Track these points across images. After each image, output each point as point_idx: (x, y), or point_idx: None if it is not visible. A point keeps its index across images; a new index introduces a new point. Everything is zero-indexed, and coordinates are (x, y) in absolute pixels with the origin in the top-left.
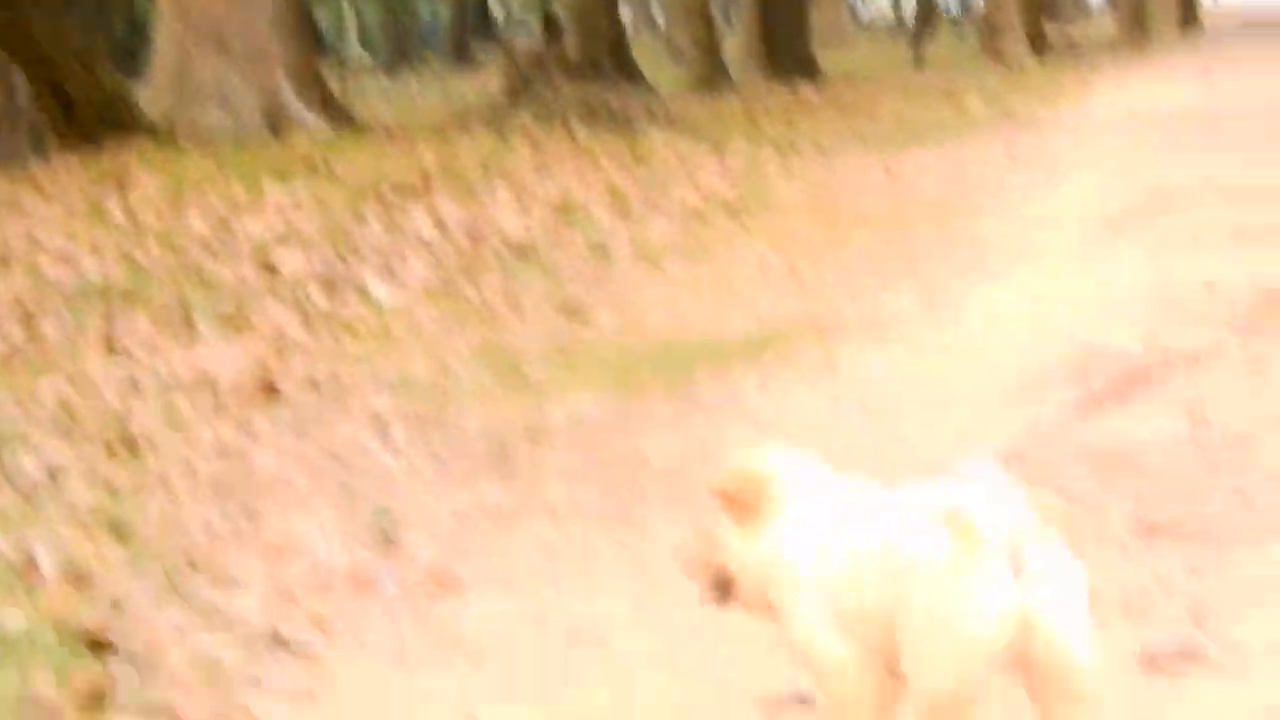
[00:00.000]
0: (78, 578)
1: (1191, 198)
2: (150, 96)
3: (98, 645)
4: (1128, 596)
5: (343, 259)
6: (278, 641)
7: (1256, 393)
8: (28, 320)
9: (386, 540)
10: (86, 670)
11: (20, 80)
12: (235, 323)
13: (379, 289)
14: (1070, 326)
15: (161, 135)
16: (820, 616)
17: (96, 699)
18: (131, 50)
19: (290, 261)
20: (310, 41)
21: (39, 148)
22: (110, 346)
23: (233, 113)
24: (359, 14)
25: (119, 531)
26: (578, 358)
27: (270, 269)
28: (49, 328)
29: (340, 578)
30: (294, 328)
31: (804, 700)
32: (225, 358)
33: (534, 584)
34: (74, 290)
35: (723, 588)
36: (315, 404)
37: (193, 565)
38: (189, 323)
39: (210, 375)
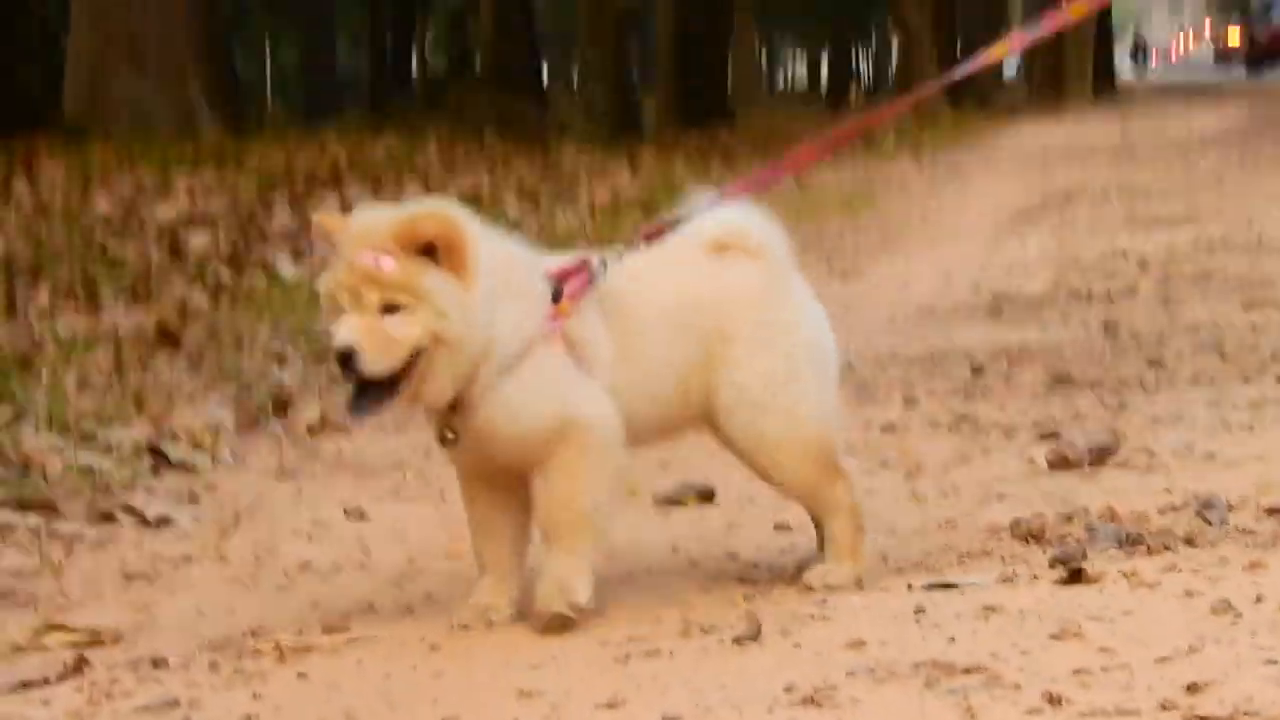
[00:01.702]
0: None
1: (1095, 196)
2: (65, 98)
3: None
4: (1041, 428)
5: (249, 241)
6: (158, 456)
7: (1168, 315)
8: None
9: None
10: None
11: None
12: (138, 295)
13: (286, 267)
14: (982, 279)
15: (71, 132)
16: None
17: None
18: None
19: (196, 242)
20: (228, 66)
21: None
22: (10, 314)
23: (144, 118)
24: (274, 60)
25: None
26: None
27: (176, 250)
28: None
29: (226, 428)
30: (198, 298)
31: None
32: (127, 320)
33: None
34: None
35: None
36: (215, 350)
37: (81, 416)
38: (92, 295)
39: (110, 330)
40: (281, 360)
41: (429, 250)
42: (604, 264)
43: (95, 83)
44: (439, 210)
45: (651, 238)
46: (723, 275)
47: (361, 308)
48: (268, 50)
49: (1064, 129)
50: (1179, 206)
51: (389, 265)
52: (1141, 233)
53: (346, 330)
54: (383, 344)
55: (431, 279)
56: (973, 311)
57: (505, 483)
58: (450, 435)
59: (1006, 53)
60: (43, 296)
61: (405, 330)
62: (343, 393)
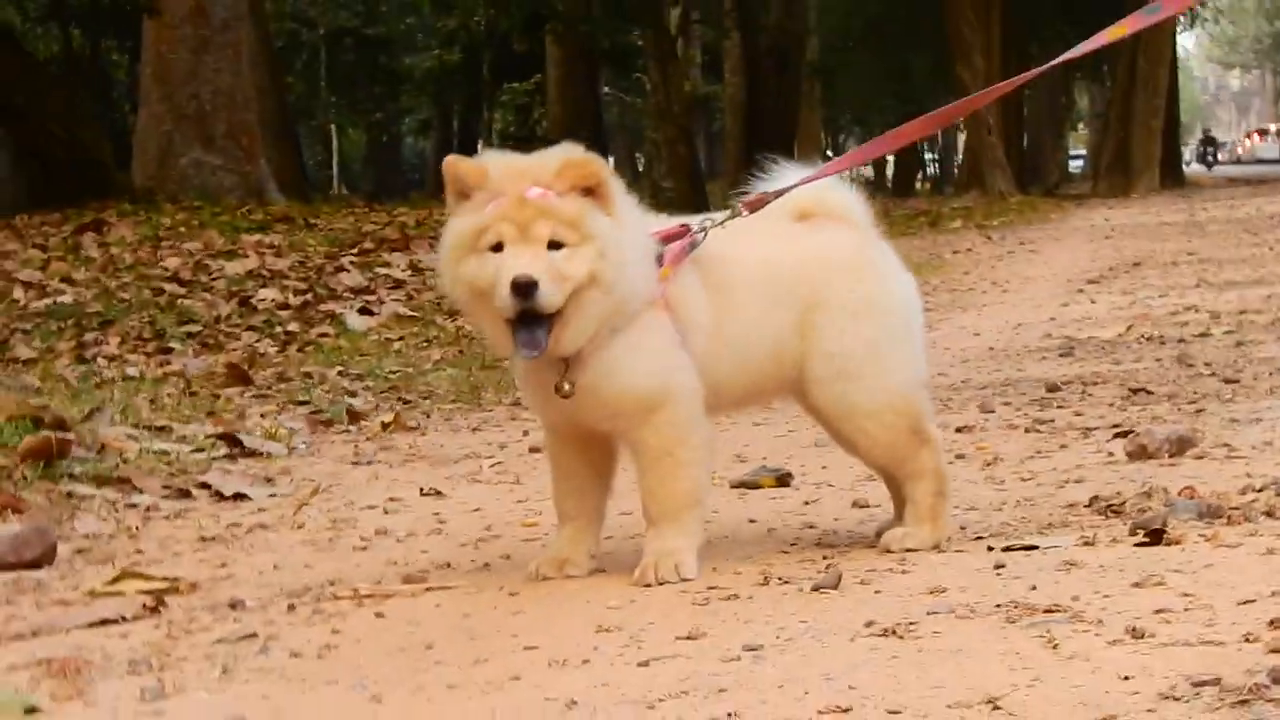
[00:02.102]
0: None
1: (1165, 264)
2: (133, 169)
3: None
4: (1119, 429)
5: (318, 295)
6: (233, 444)
7: (1241, 352)
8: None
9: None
10: (38, 438)
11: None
12: (208, 344)
13: (354, 319)
14: (1052, 329)
15: (141, 198)
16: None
17: (45, 456)
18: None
19: (265, 296)
20: (295, 147)
21: (19, 205)
22: (79, 361)
23: (212, 190)
24: (340, 147)
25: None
26: None
27: (246, 303)
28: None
29: (300, 427)
30: (266, 347)
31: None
32: (197, 363)
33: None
34: (47, 314)
35: None
36: (285, 388)
37: (155, 417)
38: (162, 344)
39: (180, 370)
40: (352, 394)
41: (589, 192)
42: (704, 230)
43: (164, 155)
44: (593, 156)
45: (754, 207)
46: (815, 243)
47: (529, 241)
48: (334, 137)
49: (1132, 211)
50: (1249, 272)
51: (568, 202)
52: (1213, 293)
53: (526, 261)
54: (557, 277)
55: (598, 220)
56: (1044, 352)
57: (592, 439)
58: (569, 386)
59: (1125, 33)
60: (111, 344)
61: (574, 266)
62: (504, 332)
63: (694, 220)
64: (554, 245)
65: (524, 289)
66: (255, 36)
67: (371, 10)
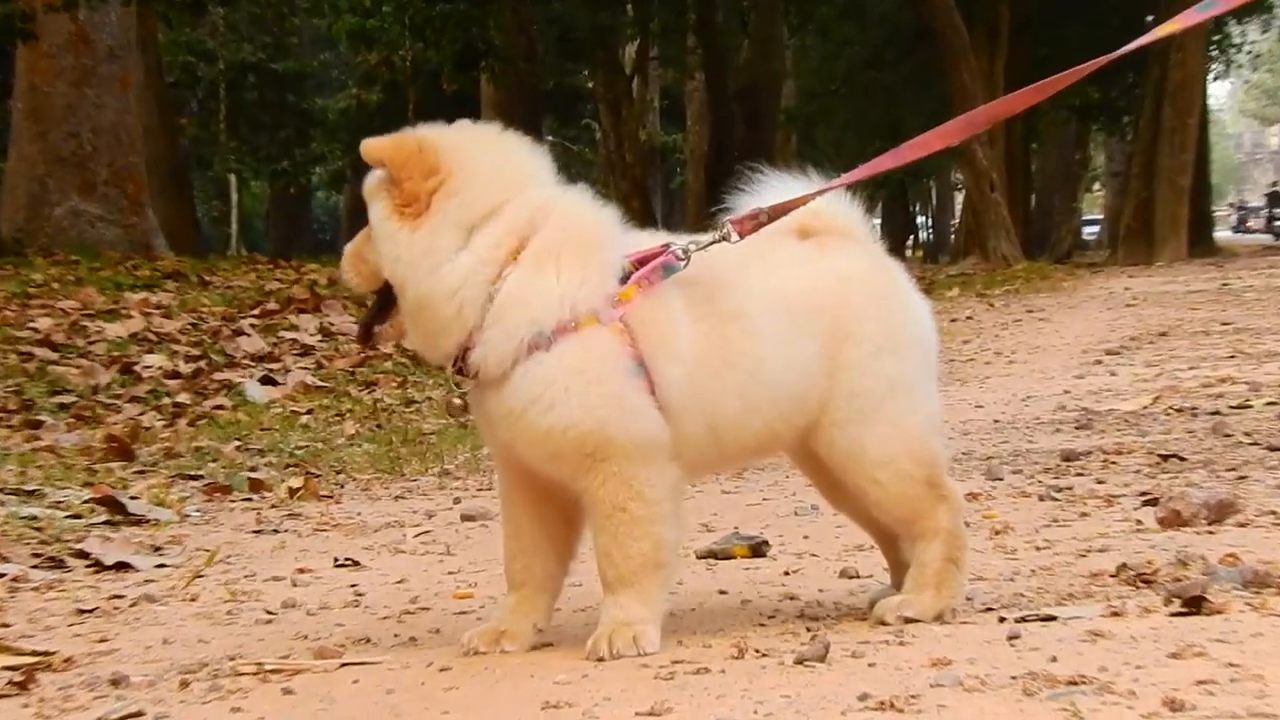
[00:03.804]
0: None
1: (1195, 333)
2: (1, 217)
3: None
4: (1149, 497)
5: (213, 362)
6: (115, 509)
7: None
8: None
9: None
10: None
11: None
12: (84, 418)
13: (254, 388)
14: (1065, 401)
15: (9, 250)
16: None
17: None
18: None
19: (151, 362)
20: (188, 199)
21: None
22: None
23: (91, 243)
24: (241, 201)
25: None
26: None
27: (128, 369)
28: None
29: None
30: (151, 419)
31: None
32: (69, 438)
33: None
34: None
35: None
36: (176, 465)
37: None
38: (28, 415)
39: (50, 446)
40: (253, 469)
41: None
42: (687, 252)
43: (36, 202)
44: (393, 139)
45: (745, 228)
46: (833, 265)
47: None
48: (234, 188)
49: (1156, 278)
50: None
51: (369, 182)
52: (1251, 364)
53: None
54: (355, 258)
55: (376, 204)
56: (1058, 424)
57: (549, 491)
58: (458, 401)
59: (1178, 28)
60: None
61: (371, 249)
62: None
63: (678, 241)
64: None
65: None
66: (145, 69)
67: (280, 43)
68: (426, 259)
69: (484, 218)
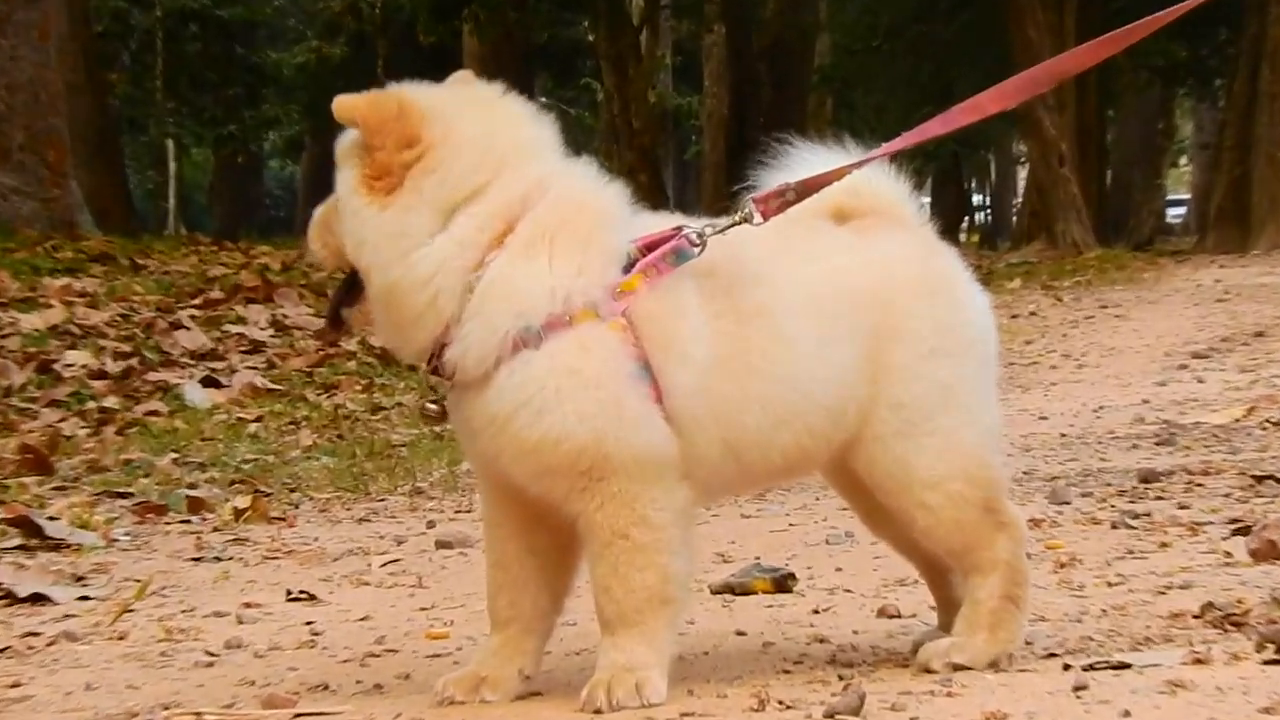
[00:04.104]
0: None
1: None
2: None
3: None
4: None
5: (146, 360)
6: (30, 532)
7: None
8: None
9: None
10: None
11: None
12: None
13: (194, 391)
14: (1144, 413)
15: None
16: None
17: None
18: None
19: (74, 360)
20: (119, 170)
21: None
22: None
23: (6, 219)
24: (181, 171)
25: None
26: None
27: (46, 368)
28: None
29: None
30: (73, 426)
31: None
32: None
33: None
34: None
35: None
36: (102, 480)
37: None
38: None
39: None
40: (192, 486)
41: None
42: (702, 236)
43: None
44: (366, 96)
45: (770, 209)
46: (877, 255)
47: None
48: (172, 156)
49: (1251, 269)
50: None
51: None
52: None
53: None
54: (322, 227)
55: (342, 174)
56: (1136, 440)
57: (540, 516)
58: (432, 406)
59: None
60: None
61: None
62: None
63: (693, 223)
64: None
65: None
66: (68, 15)
67: None
68: (396, 242)
69: (468, 198)
